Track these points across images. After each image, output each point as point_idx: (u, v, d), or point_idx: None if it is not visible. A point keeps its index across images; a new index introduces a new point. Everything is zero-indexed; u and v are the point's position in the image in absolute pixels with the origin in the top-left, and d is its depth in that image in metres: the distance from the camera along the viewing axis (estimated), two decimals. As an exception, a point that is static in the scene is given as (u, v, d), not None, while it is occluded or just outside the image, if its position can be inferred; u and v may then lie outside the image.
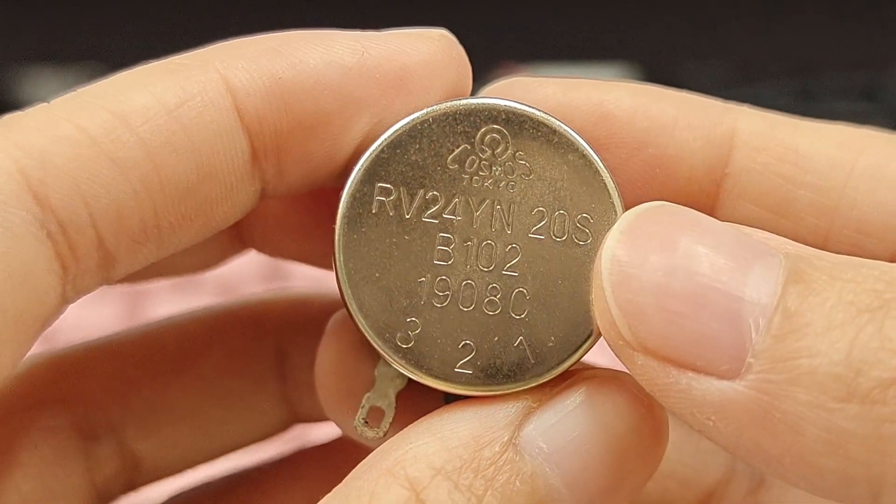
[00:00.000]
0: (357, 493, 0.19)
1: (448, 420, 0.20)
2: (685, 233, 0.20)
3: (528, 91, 0.23)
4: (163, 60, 0.22)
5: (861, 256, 0.21)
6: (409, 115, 0.22)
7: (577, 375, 0.21)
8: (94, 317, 0.50)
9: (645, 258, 0.20)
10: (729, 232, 0.20)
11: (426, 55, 0.22)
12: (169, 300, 0.53)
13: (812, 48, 0.70)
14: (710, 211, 0.22)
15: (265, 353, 0.28)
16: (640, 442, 0.20)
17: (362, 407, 0.23)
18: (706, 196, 0.23)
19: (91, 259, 0.21)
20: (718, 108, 0.23)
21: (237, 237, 0.27)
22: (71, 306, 0.22)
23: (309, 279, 0.29)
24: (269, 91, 0.21)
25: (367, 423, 0.23)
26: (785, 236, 0.20)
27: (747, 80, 0.67)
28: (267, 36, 0.22)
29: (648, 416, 0.21)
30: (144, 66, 0.22)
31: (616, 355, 0.20)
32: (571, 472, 0.20)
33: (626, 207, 0.21)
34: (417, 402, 0.23)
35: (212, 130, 0.21)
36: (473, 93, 0.24)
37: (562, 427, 0.20)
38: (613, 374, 0.21)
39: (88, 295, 0.22)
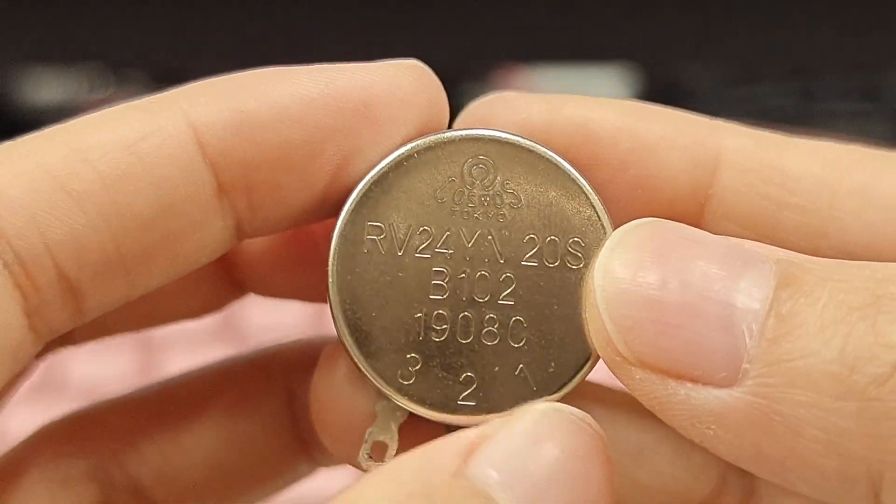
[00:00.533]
0: None
1: (401, 458, 0.20)
2: (675, 246, 0.20)
3: (514, 109, 0.23)
4: (131, 101, 0.22)
5: None
6: (393, 151, 0.22)
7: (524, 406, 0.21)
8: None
9: (636, 272, 0.20)
10: (719, 242, 0.20)
11: (392, 83, 0.22)
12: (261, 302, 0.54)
13: (812, 48, 0.70)
14: None
15: (276, 396, 0.28)
16: (590, 468, 0.20)
17: (365, 442, 0.23)
18: (690, 217, 0.23)
19: (54, 291, 0.21)
20: (705, 126, 0.23)
21: (231, 281, 0.28)
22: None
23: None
24: (232, 123, 0.21)
25: (371, 457, 0.23)
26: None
27: (747, 80, 0.67)
28: (233, 75, 0.22)
29: (593, 443, 0.20)
30: (112, 107, 0.22)
31: (613, 373, 0.21)
32: (523, 499, 0.19)
33: (616, 228, 0.21)
34: (420, 433, 0.23)
35: (171, 163, 0.21)
36: (466, 98, 0.24)
37: (512, 454, 0.20)
38: (556, 406, 0.21)
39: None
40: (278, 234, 0.26)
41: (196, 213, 0.22)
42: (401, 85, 0.22)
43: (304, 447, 0.28)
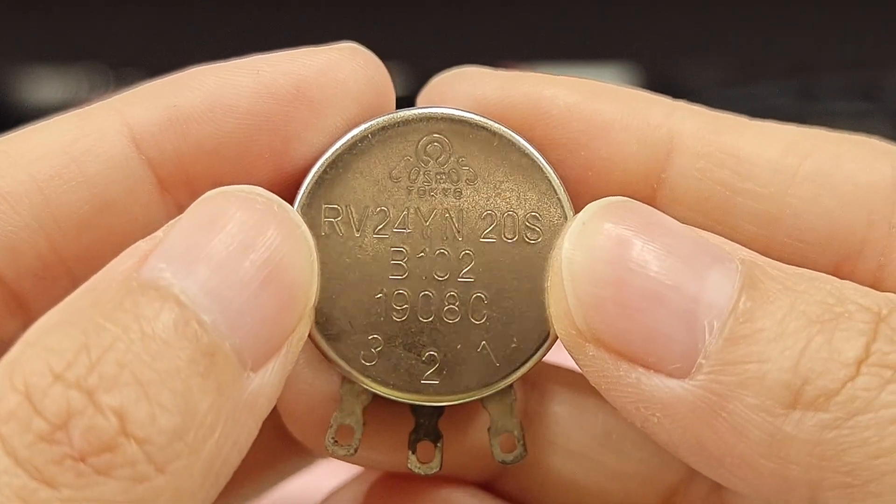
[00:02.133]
0: None
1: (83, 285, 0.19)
2: (645, 230, 0.20)
3: (471, 85, 0.23)
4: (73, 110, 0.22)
5: (803, 265, 0.21)
6: (339, 133, 0.22)
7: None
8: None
9: (606, 251, 0.20)
10: (688, 233, 0.20)
11: (322, 65, 0.22)
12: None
13: (812, 48, 0.70)
14: None
15: None
16: (260, 233, 0.19)
17: (330, 427, 0.22)
18: (643, 200, 0.22)
19: None
20: (662, 108, 0.23)
21: None
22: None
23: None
24: (165, 118, 0.21)
25: (336, 441, 0.22)
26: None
27: (747, 79, 0.67)
28: (169, 76, 0.22)
29: (262, 210, 0.20)
30: (58, 116, 0.22)
31: (565, 345, 0.21)
32: (197, 274, 0.19)
33: (573, 205, 0.22)
34: (385, 416, 0.23)
35: (104, 162, 0.21)
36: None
37: (178, 244, 0.19)
38: (221, 189, 0.20)
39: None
40: None
41: (136, 211, 0.22)
42: (333, 67, 0.22)
43: (293, 440, 0.28)
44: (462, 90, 0.23)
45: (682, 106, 0.23)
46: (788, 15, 0.70)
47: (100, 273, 0.19)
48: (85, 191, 0.21)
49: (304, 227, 0.20)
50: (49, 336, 0.18)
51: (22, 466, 0.17)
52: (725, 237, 0.22)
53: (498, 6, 0.70)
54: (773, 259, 0.21)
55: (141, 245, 0.19)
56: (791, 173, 0.22)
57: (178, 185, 0.22)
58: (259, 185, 0.21)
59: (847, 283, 0.20)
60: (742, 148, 0.22)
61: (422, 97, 0.24)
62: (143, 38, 0.68)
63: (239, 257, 0.19)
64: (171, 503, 0.17)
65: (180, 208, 0.22)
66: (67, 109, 0.22)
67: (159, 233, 0.19)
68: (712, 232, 0.22)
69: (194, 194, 0.22)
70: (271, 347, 0.19)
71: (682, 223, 0.21)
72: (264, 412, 0.19)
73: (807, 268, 0.21)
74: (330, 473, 0.30)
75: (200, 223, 0.19)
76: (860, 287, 0.20)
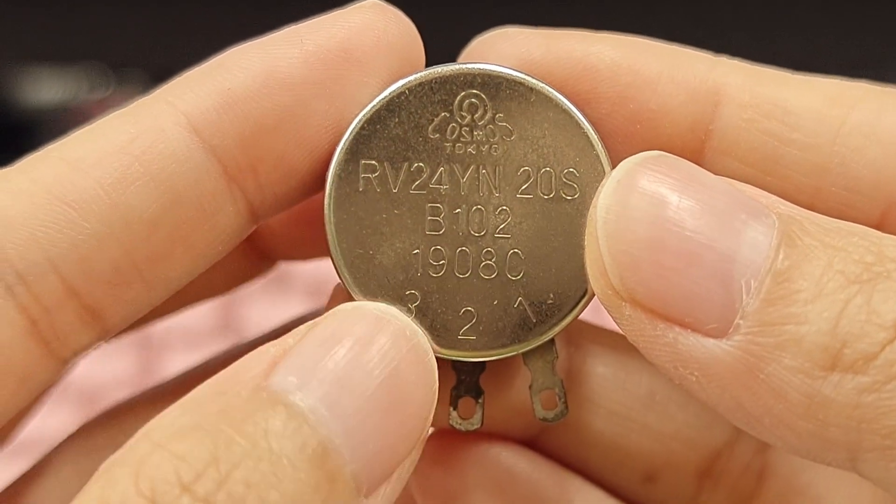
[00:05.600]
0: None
1: (208, 381, 0.19)
2: (681, 186, 0.20)
3: (513, 44, 0.23)
4: (120, 108, 0.22)
5: (850, 213, 0.21)
6: (384, 89, 0.22)
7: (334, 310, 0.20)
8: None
9: (640, 210, 0.20)
10: (723, 188, 0.20)
11: (363, 24, 0.22)
12: (260, 300, 0.52)
13: (812, 48, 0.70)
14: None
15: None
16: (393, 357, 0.19)
17: None
18: (691, 152, 0.23)
19: (65, 309, 0.21)
20: (707, 62, 0.23)
21: (259, 254, 0.27)
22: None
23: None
24: (221, 103, 0.21)
25: None
26: (772, 194, 0.20)
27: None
28: (210, 60, 0.22)
29: (395, 333, 0.20)
30: (103, 117, 0.22)
31: (603, 304, 0.21)
32: (329, 396, 0.19)
33: (611, 160, 0.21)
34: None
35: (167, 156, 0.21)
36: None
37: (310, 356, 0.19)
38: (358, 304, 0.21)
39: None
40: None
41: (205, 202, 0.21)
42: (372, 23, 0.22)
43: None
44: (505, 49, 0.23)
45: (724, 60, 0.23)
46: (788, 15, 0.70)
47: (226, 373, 0.19)
48: (152, 189, 0.21)
49: (431, 354, 0.20)
50: (178, 441, 0.18)
51: None
52: (774, 187, 0.22)
53: (497, 6, 0.70)
54: (819, 207, 0.21)
55: (270, 349, 0.19)
56: (837, 124, 0.22)
57: (243, 171, 0.22)
58: (321, 156, 0.22)
59: (887, 237, 0.19)
60: (788, 99, 0.22)
61: (463, 58, 0.24)
62: (143, 38, 0.68)
63: (370, 383, 0.19)
64: None
65: (245, 195, 0.22)
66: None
67: (289, 338, 0.19)
68: (761, 182, 0.22)
69: (258, 177, 0.22)
70: (385, 473, 0.19)
71: (727, 175, 0.21)
72: None
73: (855, 213, 0.21)
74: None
75: (335, 338, 0.19)
76: None
